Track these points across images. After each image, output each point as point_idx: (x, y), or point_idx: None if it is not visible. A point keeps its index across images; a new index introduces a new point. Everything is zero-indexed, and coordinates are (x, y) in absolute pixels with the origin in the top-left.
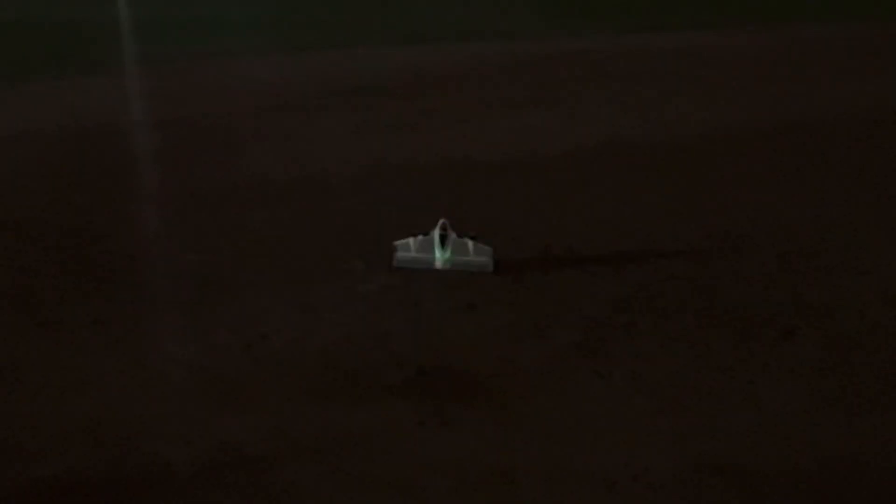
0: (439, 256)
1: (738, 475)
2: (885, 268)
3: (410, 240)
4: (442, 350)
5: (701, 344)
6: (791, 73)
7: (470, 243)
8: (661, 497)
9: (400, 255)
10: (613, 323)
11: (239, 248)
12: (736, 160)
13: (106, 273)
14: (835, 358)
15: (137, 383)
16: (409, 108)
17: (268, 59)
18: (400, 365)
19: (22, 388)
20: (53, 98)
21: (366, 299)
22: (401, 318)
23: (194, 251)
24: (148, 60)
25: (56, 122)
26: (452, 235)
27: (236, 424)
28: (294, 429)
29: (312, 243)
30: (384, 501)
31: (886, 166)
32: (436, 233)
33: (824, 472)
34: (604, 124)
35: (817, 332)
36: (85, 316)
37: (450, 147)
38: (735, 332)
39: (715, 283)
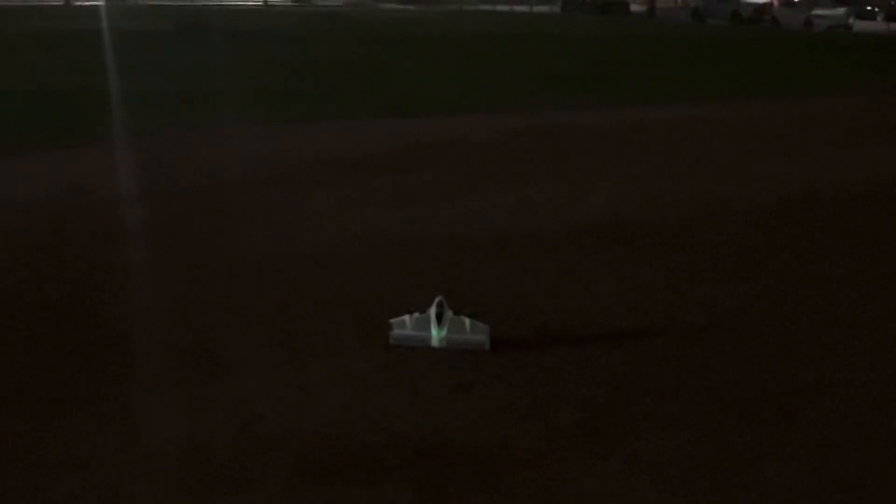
0: (435, 334)
1: None
2: (887, 345)
3: (406, 317)
4: (440, 430)
5: (701, 424)
6: (791, 145)
7: (467, 321)
8: None
9: (396, 332)
10: (613, 402)
11: (232, 325)
12: (735, 234)
13: (97, 349)
14: (838, 438)
15: (130, 463)
16: (404, 182)
17: (260, 130)
18: (397, 446)
19: (10, 467)
20: (42, 169)
21: (362, 378)
22: (397, 398)
23: (187, 328)
24: (138, 132)
25: (44, 194)
26: (449, 313)
27: None
28: None
29: (307, 320)
30: None
31: (889, 241)
32: (432, 310)
33: None
34: (601, 198)
35: (819, 411)
36: (75, 394)
37: (445, 221)
38: (736, 411)
39: (714, 361)
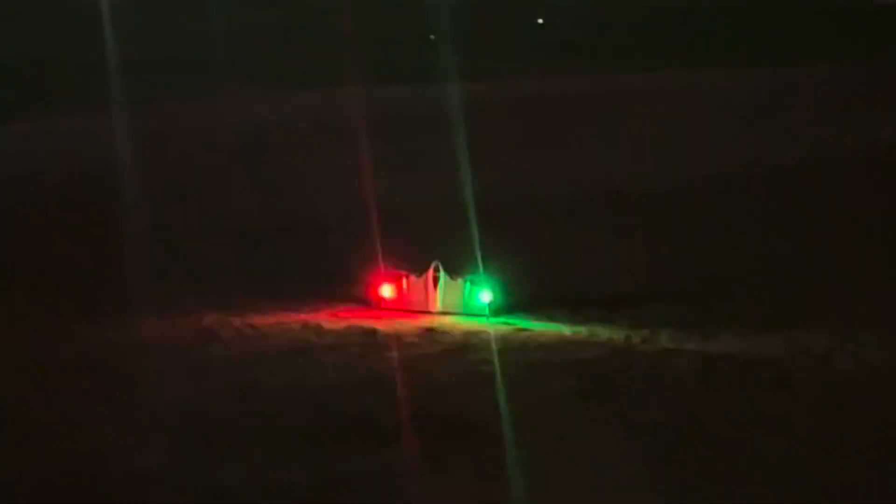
0: (432, 299)
1: None
2: (881, 311)
3: (403, 281)
4: (435, 394)
5: (696, 390)
6: (785, 113)
7: (464, 285)
8: None
9: (392, 297)
10: (607, 367)
11: (229, 291)
12: (731, 202)
13: (94, 316)
14: (832, 404)
15: (128, 428)
16: (400, 148)
17: (255, 98)
18: (392, 409)
19: (8, 433)
20: (37, 138)
21: (357, 343)
22: (393, 362)
23: (184, 294)
24: (133, 100)
25: (45, 162)
26: (446, 277)
27: (229, 470)
28: (287, 474)
29: (302, 285)
30: None
31: (882, 207)
32: (429, 275)
33: None
34: (597, 166)
35: (813, 377)
36: (74, 358)
37: (440, 188)
38: (731, 377)
39: (709, 327)
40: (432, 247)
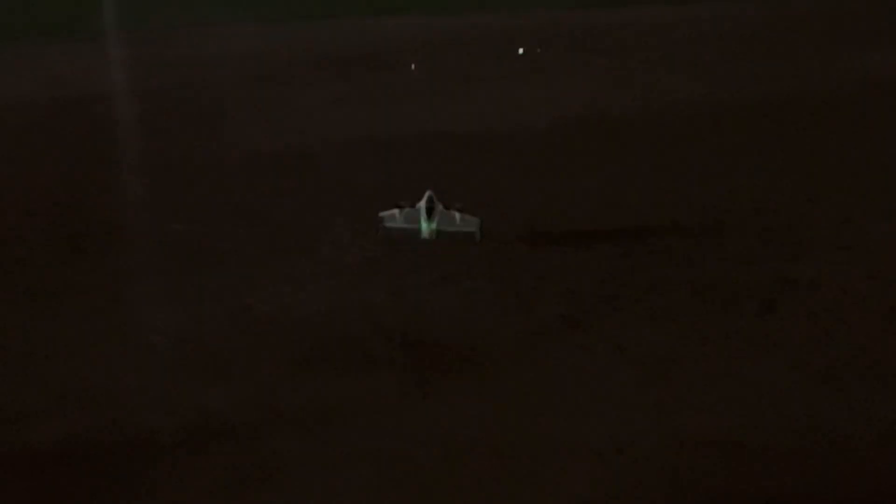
0: (426, 227)
1: (720, 446)
2: (867, 242)
3: (396, 211)
4: (426, 322)
5: (684, 317)
6: (775, 47)
7: (457, 214)
8: (646, 469)
9: (386, 224)
10: (597, 296)
11: (222, 219)
12: (720, 135)
13: (89, 242)
14: (817, 331)
15: (121, 352)
16: (393, 80)
17: (251, 28)
18: (384, 336)
19: (4, 356)
20: (32, 66)
21: (349, 270)
22: (384, 290)
23: (177, 221)
24: (129, 28)
25: (35, 90)
26: (439, 207)
27: (220, 394)
28: (278, 399)
29: (296, 214)
30: (369, 472)
31: (870, 142)
32: (422, 204)
33: (807, 444)
34: (588, 98)
35: (800, 305)
36: (68, 285)
37: (434, 119)
38: (718, 306)
39: (698, 257)
40: (424, 177)
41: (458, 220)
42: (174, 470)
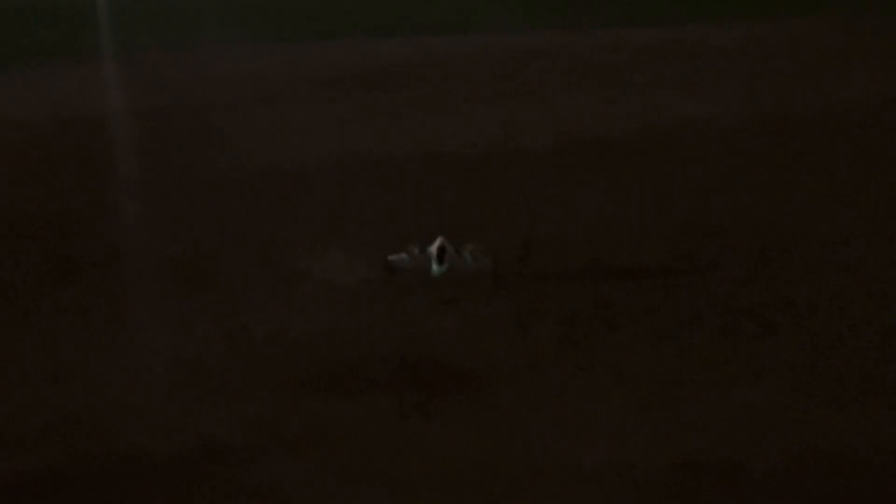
0: (437, 270)
1: (720, 471)
2: (866, 263)
3: (405, 256)
4: (424, 344)
5: (682, 339)
6: (772, 67)
7: (468, 257)
8: (644, 493)
9: (395, 266)
10: (595, 318)
11: (219, 239)
12: (717, 154)
13: (86, 263)
14: (816, 353)
15: (118, 374)
16: (390, 100)
17: (248, 49)
18: (382, 359)
19: (1, 377)
20: (31, 86)
21: (347, 292)
22: (383, 312)
23: (174, 242)
24: (126, 49)
25: (34, 111)
26: (450, 250)
27: (218, 416)
28: (276, 421)
29: (293, 235)
30: (368, 495)
31: (868, 161)
32: (433, 249)
33: (806, 467)
34: (584, 118)
35: (798, 327)
36: (65, 305)
37: (431, 139)
38: (716, 327)
39: (696, 278)
40: (420, 197)
41: (470, 264)
42: (171, 493)
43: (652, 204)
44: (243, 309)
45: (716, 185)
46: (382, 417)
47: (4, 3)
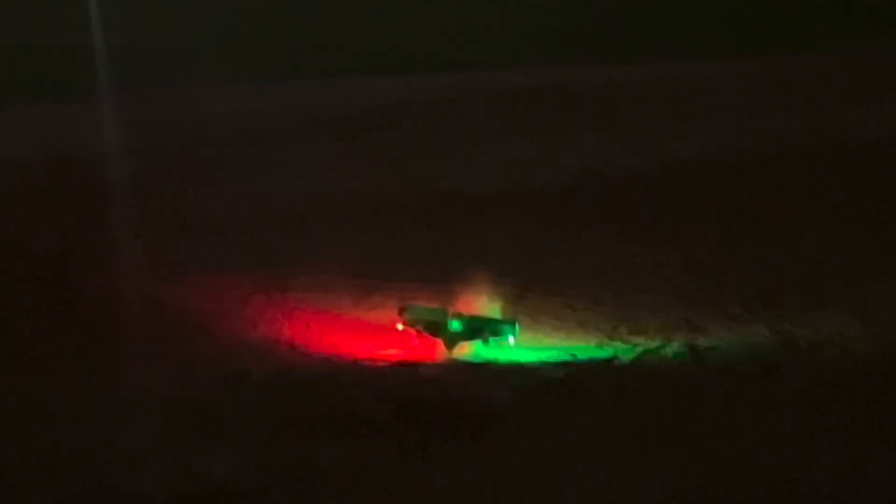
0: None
1: None
2: (868, 303)
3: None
4: (425, 385)
5: (684, 379)
6: (772, 104)
7: (484, 337)
8: None
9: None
10: (595, 357)
11: (217, 281)
12: (718, 192)
13: (83, 304)
14: (818, 394)
15: (116, 417)
16: (390, 140)
17: (246, 87)
18: (381, 400)
19: (2, 417)
20: (28, 126)
21: (346, 334)
22: (381, 353)
23: (172, 283)
24: (123, 88)
25: (30, 150)
26: (467, 318)
27: (217, 459)
28: (275, 464)
29: (292, 276)
30: None
31: (871, 199)
32: (451, 312)
33: None
34: (586, 156)
35: (800, 367)
36: (62, 348)
37: (431, 179)
38: (718, 368)
39: (697, 317)
40: (420, 237)
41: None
42: None
43: (653, 242)
44: (242, 351)
45: (716, 224)
46: (382, 459)
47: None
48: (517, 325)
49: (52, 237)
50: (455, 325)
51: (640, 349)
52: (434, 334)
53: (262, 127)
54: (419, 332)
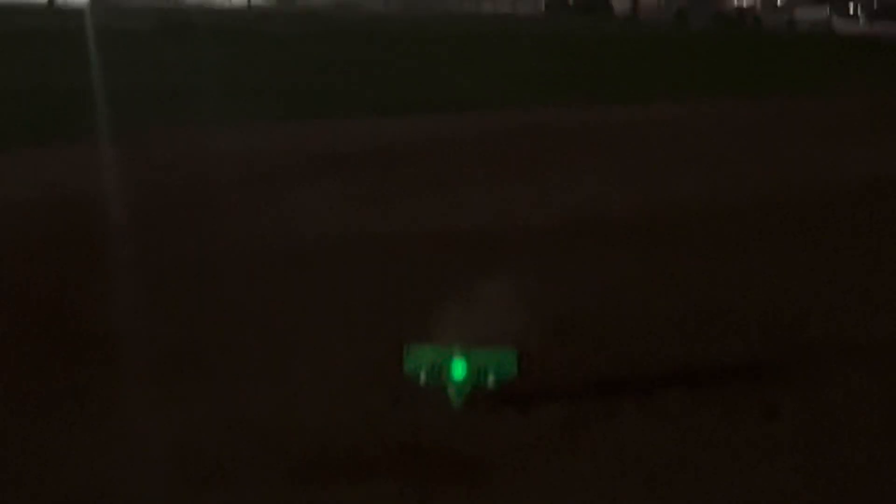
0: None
1: None
2: (871, 342)
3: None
4: (423, 427)
5: (685, 421)
6: (774, 145)
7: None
8: None
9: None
10: (598, 401)
11: (217, 323)
12: (719, 233)
13: (82, 346)
14: (821, 434)
15: (114, 461)
16: (391, 179)
17: (248, 127)
18: (383, 443)
19: None
20: (27, 167)
21: (346, 375)
22: (383, 396)
23: (172, 325)
24: (124, 128)
25: (30, 192)
26: (472, 355)
27: (215, 502)
28: None
29: (292, 317)
30: None
31: (871, 239)
32: (453, 350)
33: None
34: (586, 197)
35: (803, 407)
36: (59, 390)
37: (432, 219)
38: (720, 409)
39: (699, 361)
40: (421, 278)
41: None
42: None
43: (653, 283)
44: (242, 393)
45: (717, 264)
46: (380, 503)
47: (1, 84)
48: (520, 359)
49: (50, 279)
50: (459, 367)
51: (641, 392)
52: (438, 380)
53: (265, 166)
54: (423, 380)
